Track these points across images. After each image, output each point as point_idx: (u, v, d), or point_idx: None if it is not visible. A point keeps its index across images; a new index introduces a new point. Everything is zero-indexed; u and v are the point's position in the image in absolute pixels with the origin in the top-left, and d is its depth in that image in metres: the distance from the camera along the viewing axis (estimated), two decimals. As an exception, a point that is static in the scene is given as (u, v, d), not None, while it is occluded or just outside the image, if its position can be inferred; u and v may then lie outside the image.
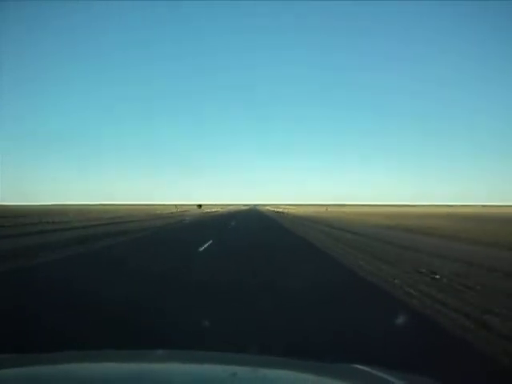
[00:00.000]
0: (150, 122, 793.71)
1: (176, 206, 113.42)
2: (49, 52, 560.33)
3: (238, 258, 10.94)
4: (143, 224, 29.94)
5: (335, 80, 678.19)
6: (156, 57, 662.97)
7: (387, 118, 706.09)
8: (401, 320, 4.98)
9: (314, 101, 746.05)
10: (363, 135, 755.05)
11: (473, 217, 54.53)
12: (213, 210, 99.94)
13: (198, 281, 7.57)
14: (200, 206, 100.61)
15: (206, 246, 13.76)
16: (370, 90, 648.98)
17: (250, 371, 1.56)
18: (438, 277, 7.89)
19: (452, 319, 4.98)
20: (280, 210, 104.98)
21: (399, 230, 24.27)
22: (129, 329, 4.46)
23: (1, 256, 10.65)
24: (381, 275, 8.19)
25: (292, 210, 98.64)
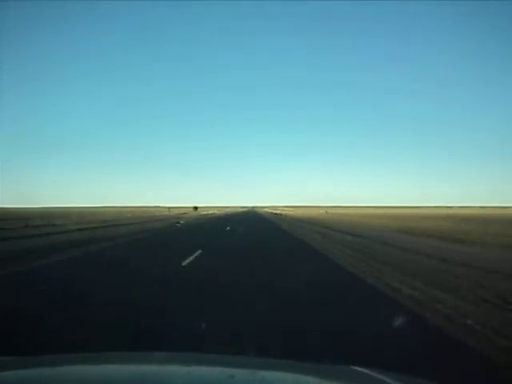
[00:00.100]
0: (150, 123, 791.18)
1: (169, 208, 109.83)
2: (49, 52, 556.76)
3: (227, 280, 7.80)
4: (130, 228, 26.85)
5: (335, 80, 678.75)
6: (155, 57, 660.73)
7: (387, 119, 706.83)
8: None
9: (314, 101, 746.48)
10: (363, 136, 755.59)
11: (477, 218, 51.87)
12: (210, 212, 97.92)
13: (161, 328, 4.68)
14: (196, 208, 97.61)
15: (191, 258, 10.78)
16: (371, 90, 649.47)
17: (249, 373, 1.55)
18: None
19: None
20: (278, 211, 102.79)
21: (410, 234, 21.64)
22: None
23: None
24: (453, 318, 5.18)
25: (291, 212, 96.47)
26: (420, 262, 10.26)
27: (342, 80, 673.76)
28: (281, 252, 12.98)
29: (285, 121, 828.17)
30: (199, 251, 12.20)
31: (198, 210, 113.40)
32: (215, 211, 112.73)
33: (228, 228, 27.73)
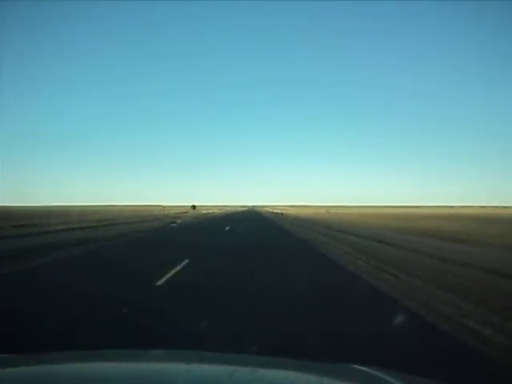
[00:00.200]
0: (151, 122, 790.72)
1: (163, 207, 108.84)
2: (49, 52, 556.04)
3: (213, 303, 5.82)
4: (119, 229, 24.65)
5: (335, 79, 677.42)
6: (154, 56, 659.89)
7: (388, 119, 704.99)
8: None
9: (315, 100, 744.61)
10: (364, 136, 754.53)
11: (479, 218, 51.74)
12: (210, 211, 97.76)
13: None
14: (194, 206, 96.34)
15: (173, 272, 8.39)
16: (372, 89, 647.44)
17: (249, 371, 1.54)
18: None
19: None
20: (278, 211, 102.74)
21: (411, 234, 21.55)
22: None
23: None
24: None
25: (291, 212, 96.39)
26: (420, 261, 10.17)
27: (342, 79, 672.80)
28: (282, 252, 12.91)
29: (285, 120, 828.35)
30: (186, 261, 9.88)
31: (198, 209, 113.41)
32: (215, 210, 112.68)
33: (227, 228, 26.00)
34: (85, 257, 11.58)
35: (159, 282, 7.31)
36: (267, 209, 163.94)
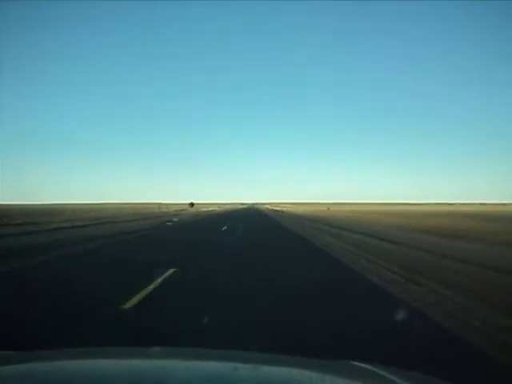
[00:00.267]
0: (150, 122, 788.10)
1: (159, 205, 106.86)
2: (49, 52, 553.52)
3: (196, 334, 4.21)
4: (109, 228, 22.93)
5: (335, 79, 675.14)
6: (154, 56, 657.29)
7: (388, 117, 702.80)
8: None
9: (315, 98, 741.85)
10: (364, 133, 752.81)
11: (479, 215, 51.71)
12: (209, 209, 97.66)
13: None
14: (192, 204, 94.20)
15: (151, 288, 6.42)
16: (372, 88, 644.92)
17: (249, 368, 1.52)
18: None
19: None
20: (278, 208, 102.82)
21: (413, 231, 21.55)
22: None
23: None
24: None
25: (292, 209, 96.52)
26: (422, 258, 10.21)
27: (342, 79, 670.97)
28: (283, 250, 12.92)
29: (285, 118, 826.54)
30: (171, 269, 7.99)
31: (198, 206, 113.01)
32: (215, 208, 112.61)
33: (224, 228, 23.54)
34: (33, 271, 8.80)
35: (127, 305, 5.32)
36: (267, 206, 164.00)
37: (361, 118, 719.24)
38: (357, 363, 1.62)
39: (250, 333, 4.27)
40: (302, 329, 4.50)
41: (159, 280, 7.03)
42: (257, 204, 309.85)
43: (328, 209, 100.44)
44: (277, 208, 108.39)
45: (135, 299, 5.64)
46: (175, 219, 35.70)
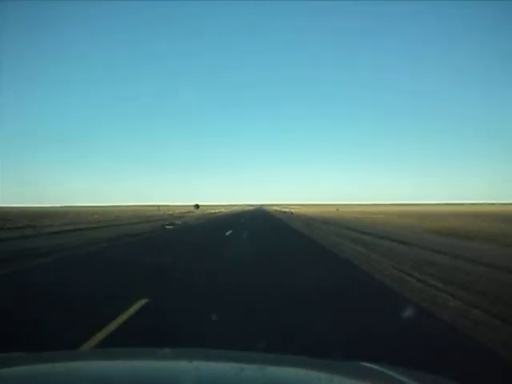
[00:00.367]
0: (150, 122, 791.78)
1: (158, 206, 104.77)
2: (49, 52, 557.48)
3: None
4: (101, 233, 21.01)
5: (335, 80, 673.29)
6: (155, 56, 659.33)
7: (398, 118, 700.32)
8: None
9: (326, 99, 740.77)
10: (373, 134, 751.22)
11: (494, 215, 50.66)
12: (216, 210, 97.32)
13: None
14: (197, 206, 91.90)
15: (112, 325, 4.46)
16: (383, 89, 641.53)
17: (257, 369, 1.50)
18: None
19: None
20: (287, 209, 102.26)
21: (433, 233, 20.87)
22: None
23: None
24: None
25: (300, 210, 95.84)
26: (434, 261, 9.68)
27: (342, 79, 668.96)
28: (292, 254, 12.46)
29: (294, 118, 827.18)
30: (143, 301, 5.55)
31: (205, 208, 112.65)
32: (222, 210, 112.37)
33: (229, 233, 20.65)
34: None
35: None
36: (275, 208, 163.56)
37: (371, 118, 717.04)
38: (365, 364, 1.61)
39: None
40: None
41: (131, 309, 5.15)
42: (264, 205, 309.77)
43: (337, 210, 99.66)
44: (285, 209, 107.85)
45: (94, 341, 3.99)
46: (178, 222, 34.64)
